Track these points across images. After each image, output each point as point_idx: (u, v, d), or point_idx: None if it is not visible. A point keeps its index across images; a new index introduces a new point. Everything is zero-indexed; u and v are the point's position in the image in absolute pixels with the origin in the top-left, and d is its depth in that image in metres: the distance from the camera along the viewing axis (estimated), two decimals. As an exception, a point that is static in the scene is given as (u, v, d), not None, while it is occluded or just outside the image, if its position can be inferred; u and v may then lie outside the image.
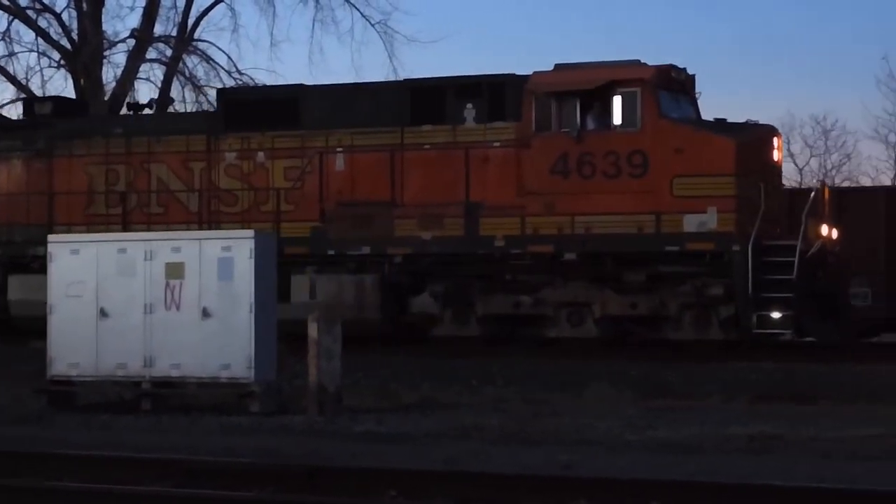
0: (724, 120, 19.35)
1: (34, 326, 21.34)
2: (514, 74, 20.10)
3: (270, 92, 21.39)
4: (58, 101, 23.10)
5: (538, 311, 19.48)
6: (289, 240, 20.46)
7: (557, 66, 19.87)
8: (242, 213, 21.09)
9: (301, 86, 21.19)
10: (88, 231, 21.61)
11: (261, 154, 21.09)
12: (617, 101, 18.88)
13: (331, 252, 20.33)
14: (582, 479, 9.46)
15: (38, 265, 21.55)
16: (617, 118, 18.91)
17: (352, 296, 20.08)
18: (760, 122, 19.97)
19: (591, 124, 19.15)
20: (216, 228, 21.03)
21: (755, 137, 19.29)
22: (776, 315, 18.26)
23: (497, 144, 19.64)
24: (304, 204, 20.60)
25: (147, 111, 22.75)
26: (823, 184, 22.82)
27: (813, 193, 19.01)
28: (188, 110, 21.86)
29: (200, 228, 21.03)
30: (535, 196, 19.21)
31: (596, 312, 19.18)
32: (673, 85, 19.35)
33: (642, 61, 19.51)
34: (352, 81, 21.31)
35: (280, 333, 19.84)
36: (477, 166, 19.61)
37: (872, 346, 20.96)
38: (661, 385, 16.34)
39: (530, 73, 19.85)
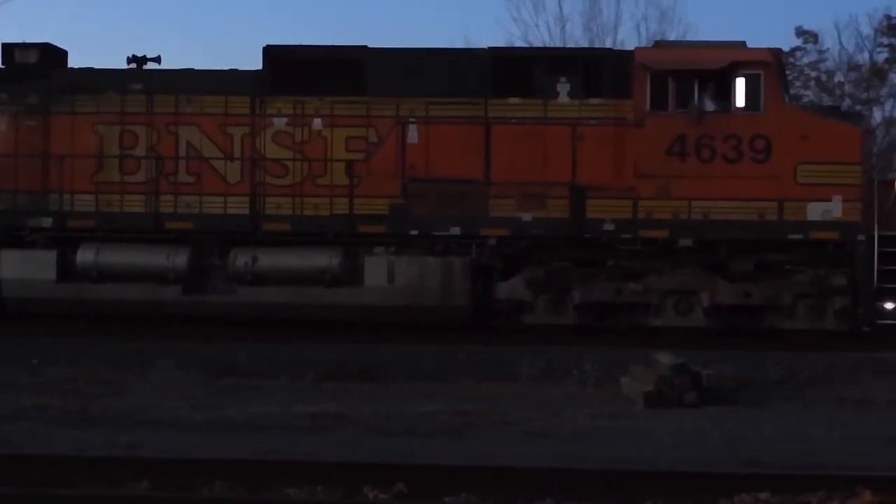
0: (837, 107, 19.49)
1: (31, 309, 19.10)
2: (612, 49, 19.50)
3: (329, 52, 19.59)
4: (46, 49, 20.27)
5: (642, 299, 18.97)
6: (363, 217, 19.03)
7: (659, 43, 19.38)
8: (294, 185, 19.37)
9: (365, 47, 19.59)
10: (97, 200, 19.41)
11: (317, 121, 19.42)
12: (740, 84, 18.64)
13: (414, 232, 18.99)
14: (144, 460, 10.08)
15: (39, 239, 19.20)
16: (740, 100, 18.65)
17: (437, 280, 18.87)
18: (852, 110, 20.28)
19: (708, 106, 18.80)
20: (262, 201, 19.34)
21: (867, 126, 19.57)
22: (890, 306, 18.61)
23: (594, 122, 18.96)
24: (377, 178, 19.13)
25: (154, 65, 20.34)
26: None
27: (920, 184, 19.44)
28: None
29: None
30: (649, 178, 18.71)
31: (705, 301, 18.88)
32: (783, 69, 19.31)
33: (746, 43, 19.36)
34: (423, 46, 19.70)
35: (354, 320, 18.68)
36: (582, 144, 18.86)
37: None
38: (229, 365, 16.80)
39: (632, 48, 19.28)
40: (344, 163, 19.28)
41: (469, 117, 19.14)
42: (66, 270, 19.43)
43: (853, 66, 35.94)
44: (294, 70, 19.52)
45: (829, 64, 36.18)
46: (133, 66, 20.33)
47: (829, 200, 18.57)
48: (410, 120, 19.20)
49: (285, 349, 17.60)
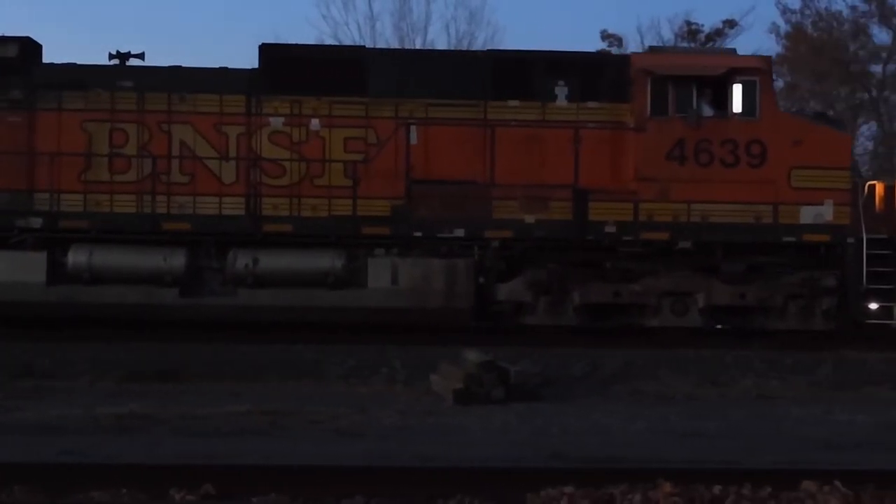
0: (825, 113, 20.30)
1: (18, 313, 18.68)
2: (608, 54, 19.94)
3: (328, 52, 19.65)
4: (26, 42, 19.70)
5: (640, 300, 19.48)
6: (367, 219, 19.08)
7: (654, 49, 19.87)
8: (291, 186, 19.29)
9: (364, 48, 19.65)
10: (86, 200, 19.03)
11: (315, 121, 19.37)
12: (737, 90, 19.28)
13: (418, 234, 19.11)
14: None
15: (27, 240, 18.76)
16: (737, 106, 19.29)
17: (442, 282, 19.05)
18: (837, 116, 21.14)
19: (706, 111, 19.39)
20: (259, 202, 19.22)
21: (850, 131, 20.42)
22: (875, 306, 19.51)
23: (592, 125, 19.38)
24: (379, 179, 19.18)
25: (138, 62, 19.96)
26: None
27: (897, 187, 20.37)
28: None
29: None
30: (650, 181, 19.24)
31: (700, 302, 19.48)
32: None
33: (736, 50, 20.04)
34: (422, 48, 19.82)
35: (356, 322, 18.72)
36: (583, 147, 19.25)
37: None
38: (27, 365, 16.82)
39: (627, 54, 19.74)
40: (342, 163, 19.27)
41: (470, 119, 19.34)
42: (57, 273, 18.95)
43: None
44: (292, 69, 19.43)
45: None
46: (116, 62, 19.94)
47: (821, 204, 19.37)
48: (411, 121, 19.28)
49: (87, 349, 17.41)
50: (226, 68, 19.65)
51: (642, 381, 16.59)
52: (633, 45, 38.22)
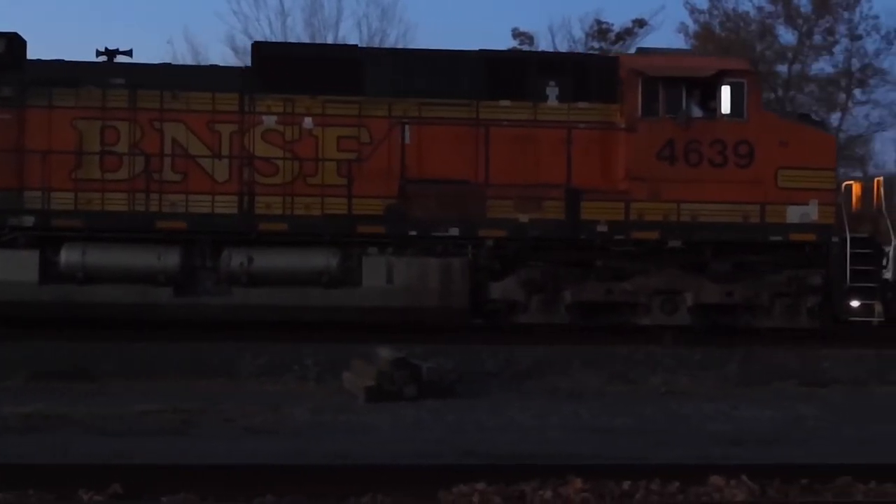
0: (808, 115, 20.75)
1: (9, 313, 18.56)
2: (597, 55, 20.22)
3: (321, 51, 19.70)
4: (13, 38, 19.51)
5: (631, 298, 19.79)
6: (362, 217, 19.18)
7: (641, 50, 20.17)
8: (284, 185, 19.33)
9: (358, 47, 19.74)
10: (76, 198, 18.93)
11: (308, 120, 19.44)
12: (725, 91, 19.67)
13: (413, 233, 19.25)
14: None
15: (19, 238, 18.64)
16: (725, 107, 19.68)
17: (437, 281, 19.20)
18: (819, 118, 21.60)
19: (696, 112, 19.75)
20: (252, 200, 19.25)
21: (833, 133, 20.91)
22: (856, 304, 20.01)
23: (583, 125, 19.66)
24: (374, 178, 19.29)
25: (126, 59, 19.87)
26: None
27: (878, 187, 20.84)
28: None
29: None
30: (641, 181, 19.56)
31: (689, 300, 19.84)
32: (759, 78, 20.49)
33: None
34: (415, 48, 19.93)
35: (351, 321, 18.83)
36: (575, 147, 19.52)
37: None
38: None
39: (616, 55, 20.04)
40: (335, 162, 19.35)
41: (463, 119, 19.52)
42: (49, 272, 18.81)
43: None
44: (286, 68, 19.47)
45: None
46: (104, 59, 19.84)
47: (807, 204, 19.82)
48: (405, 121, 19.40)
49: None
50: (218, 66, 19.63)
51: (556, 377, 16.77)
52: (544, 44, 39.10)
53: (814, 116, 21.60)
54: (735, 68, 19.94)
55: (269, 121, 19.47)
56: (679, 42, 42.00)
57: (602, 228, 19.56)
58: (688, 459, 10.57)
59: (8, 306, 18.59)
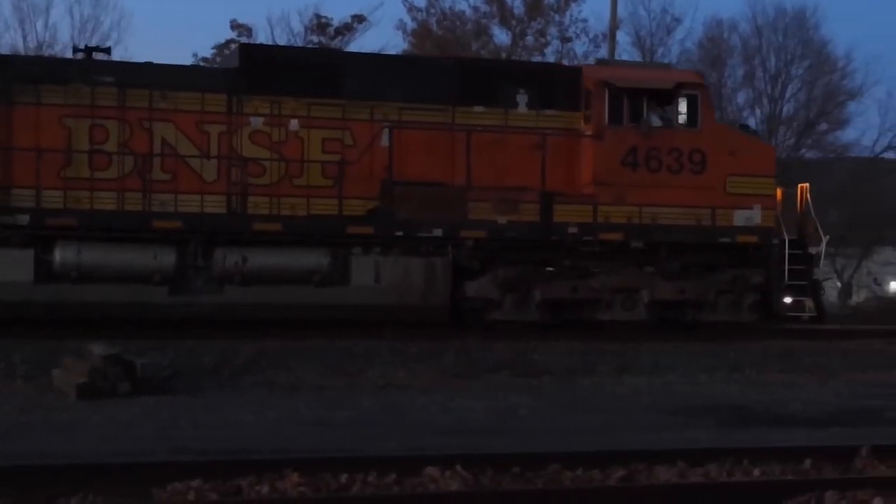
0: (748, 125, 22.64)
1: (6, 314, 18.66)
2: (561, 64, 21.54)
3: (306, 54, 20.26)
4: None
5: (594, 296, 21.23)
6: (350, 218, 19.96)
7: (600, 62, 21.57)
8: (271, 185, 19.93)
9: (340, 51, 20.47)
10: (65, 197, 19.07)
11: (294, 122, 20.08)
12: (682, 103, 21.37)
13: (399, 233, 20.13)
14: None
15: (12, 237, 18.72)
16: (682, 118, 21.36)
17: (421, 280, 20.18)
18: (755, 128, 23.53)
19: (655, 122, 21.34)
20: (241, 200, 19.77)
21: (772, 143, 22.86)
22: (789, 300, 22.09)
23: (550, 132, 20.99)
24: (360, 181, 20.08)
25: (104, 56, 19.98)
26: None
27: (803, 193, 22.87)
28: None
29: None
30: (607, 186, 21.04)
31: (645, 297, 21.45)
32: (709, 91, 22.27)
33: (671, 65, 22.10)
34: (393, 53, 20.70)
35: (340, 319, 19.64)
36: (547, 153, 20.77)
37: None
38: None
39: (578, 65, 21.39)
40: (320, 164, 20.03)
41: (441, 123, 20.51)
42: (43, 271, 18.81)
43: None
44: (272, 70, 20.03)
45: None
46: (80, 55, 19.92)
47: (751, 208, 21.73)
48: (388, 124, 20.22)
49: None
50: (206, 66, 19.98)
51: (273, 372, 16.65)
52: (262, 37, 39.65)
53: (751, 127, 23.54)
54: (690, 81, 21.71)
55: (256, 122, 19.98)
56: (397, 40, 42.76)
57: (573, 230, 20.94)
58: (404, 451, 10.59)
59: (4, 306, 18.52)
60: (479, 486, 9.06)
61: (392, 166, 20.24)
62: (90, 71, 19.45)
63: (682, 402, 14.79)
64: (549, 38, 43.02)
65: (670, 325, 21.72)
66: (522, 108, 21.04)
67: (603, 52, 38.12)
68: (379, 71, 20.63)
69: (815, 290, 22.37)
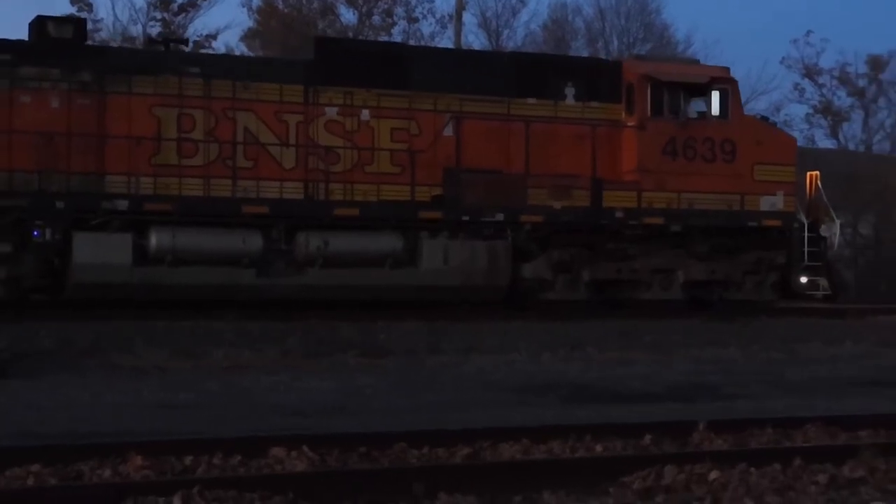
0: (767, 117, 24.49)
1: (104, 295, 19.52)
2: (602, 59, 23.16)
3: (375, 47, 21.47)
4: (80, 23, 20.09)
5: (636, 276, 22.87)
6: (421, 204, 21.22)
7: (638, 57, 23.16)
8: (345, 172, 21.09)
9: (406, 45, 21.67)
10: (155, 183, 20.01)
11: (366, 112, 21.28)
12: (715, 96, 23.11)
13: (465, 218, 21.45)
14: None
15: (112, 222, 19.58)
16: (715, 110, 23.09)
17: (485, 261, 21.55)
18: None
19: (692, 114, 23.04)
20: (326, 187, 20.87)
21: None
22: (804, 280, 24.04)
23: (595, 122, 22.53)
24: (428, 168, 21.35)
25: (183, 47, 20.89)
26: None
27: (813, 180, 24.80)
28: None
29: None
30: (650, 173, 22.67)
31: (681, 277, 23.16)
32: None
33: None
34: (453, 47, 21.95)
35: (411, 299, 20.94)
36: (597, 142, 22.31)
37: None
38: None
39: (619, 60, 22.95)
40: (389, 152, 21.25)
41: (498, 114, 21.89)
42: (139, 254, 19.66)
43: (127, 38, 36.32)
44: (344, 62, 21.18)
45: (104, 34, 37.24)
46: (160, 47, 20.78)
47: (775, 195, 23.58)
48: (454, 115, 21.50)
49: None
50: (285, 58, 20.99)
51: (117, 354, 16.27)
52: (102, 11, 39.19)
53: (770, 119, 25.47)
54: (721, 76, 23.45)
55: (331, 112, 21.10)
56: (242, 17, 41.17)
57: (620, 214, 22.53)
58: (250, 432, 10.43)
59: (104, 288, 19.34)
60: (325, 467, 9.02)
61: (459, 155, 21.57)
62: (178, 62, 20.36)
63: (526, 380, 14.81)
64: (395, 18, 43.83)
65: (699, 304, 23.48)
66: (570, 101, 22.55)
67: (450, 34, 38.91)
68: (441, 64, 21.93)
69: (829, 270, 24.35)
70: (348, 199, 20.98)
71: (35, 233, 19.20)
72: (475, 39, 47.29)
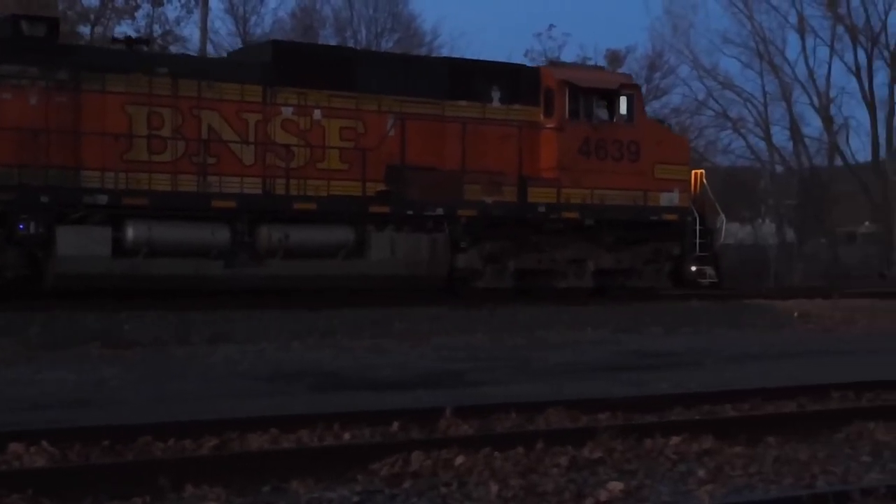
0: (663, 119, 26.94)
1: (83, 285, 20.57)
2: (522, 65, 25.21)
3: (326, 51, 22.89)
4: (52, 22, 20.79)
5: (554, 266, 25.01)
6: (371, 199, 22.82)
7: (553, 63, 25.21)
8: (299, 168, 22.47)
9: (354, 49, 23.17)
10: (127, 179, 21.08)
11: (318, 111, 22.70)
12: (623, 100, 25.41)
13: (409, 212, 23.13)
14: None
15: (93, 216, 20.61)
16: (623, 113, 25.40)
17: (427, 253, 23.31)
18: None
19: (602, 116, 25.28)
20: (273, 183, 22.24)
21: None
22: (693, 268, 26.69)
23: (517, 124, 24.53)
24: (376, 165, 22.92)
25: (144, 48, 21.83)
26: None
27: (698, 178, 27.40)
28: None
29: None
30: (567, 171, 24.82)
31: (591, 267, 25.43)
32: (636, 90, 26.47)
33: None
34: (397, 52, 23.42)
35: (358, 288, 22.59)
36: (522, 142, 24.32)
37: None
38: None
39: (536, 66, 25.05)
40: (338, 150, 22.74)
41: (435, 115, 23.63)
42: (118, 246, 20.58)
43: None
44: (299, 64, 22.54)
45: None
46: (122, 47, 21.69)
47: (672, 191, 26.05)
48: (399, 115, 23.13)
49: None
50: (246, 60, 22.17)
51: None
52: None
53: (665, 121, 27.95)
54: (629, 83, 25.76)
55: (287, 111, 22.42)
56: None
57: (542, 210, 24.59)
58: None
59: (85, 279, 20.21)
60: (66, 462, 8.70)
61: (403, 153, 23.21)
62: (148, 62, 21.31)
63: (275, 368, 14.65)
64: (139, 1, 41.92)
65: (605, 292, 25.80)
66: (497, 103, 24.49)
67: (195, 18, 37.79)
68: (384, 67, 23.50)
69: (715, 260, 27.04)
70: (305, 195, 22.37)
71: (20, 226, 19.95)
72: (222, 25, 46.59)
